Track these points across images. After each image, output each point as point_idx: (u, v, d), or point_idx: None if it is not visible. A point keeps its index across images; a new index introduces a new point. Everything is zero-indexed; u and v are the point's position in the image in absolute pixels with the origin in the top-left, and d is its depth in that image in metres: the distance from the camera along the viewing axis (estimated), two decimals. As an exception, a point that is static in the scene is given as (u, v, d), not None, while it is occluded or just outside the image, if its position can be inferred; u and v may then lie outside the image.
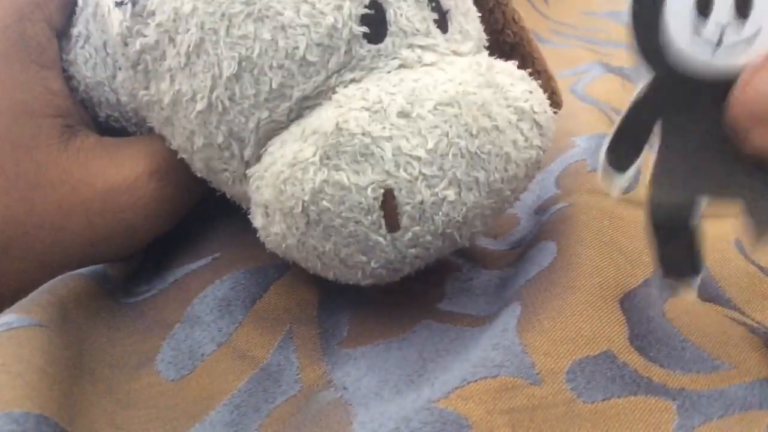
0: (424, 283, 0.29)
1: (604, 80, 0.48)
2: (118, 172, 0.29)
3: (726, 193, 0.22)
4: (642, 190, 0.25)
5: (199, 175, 0.29)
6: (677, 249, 0.23)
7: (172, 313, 0.28)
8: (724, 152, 0.22)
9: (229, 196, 0.30)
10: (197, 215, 0.33)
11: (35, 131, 0.29)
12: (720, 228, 0.28)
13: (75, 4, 0.32)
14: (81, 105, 0.32)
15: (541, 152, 0.27)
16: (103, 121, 0.32)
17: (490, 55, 0.30)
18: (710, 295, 0.28)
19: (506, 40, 0.34)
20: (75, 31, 0.31)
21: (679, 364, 0.24)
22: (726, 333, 0.25)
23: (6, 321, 0.24)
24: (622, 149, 0.23)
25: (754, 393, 0.22)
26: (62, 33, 0.31)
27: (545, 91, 0.29)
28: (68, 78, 0.31)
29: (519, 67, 0.28)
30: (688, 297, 0.25)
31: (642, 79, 0.22)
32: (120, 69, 0.29)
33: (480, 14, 0.31)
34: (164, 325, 0.28)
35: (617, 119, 0.23)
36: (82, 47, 0.31)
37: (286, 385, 0.26)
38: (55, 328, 0.25)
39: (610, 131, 0.23)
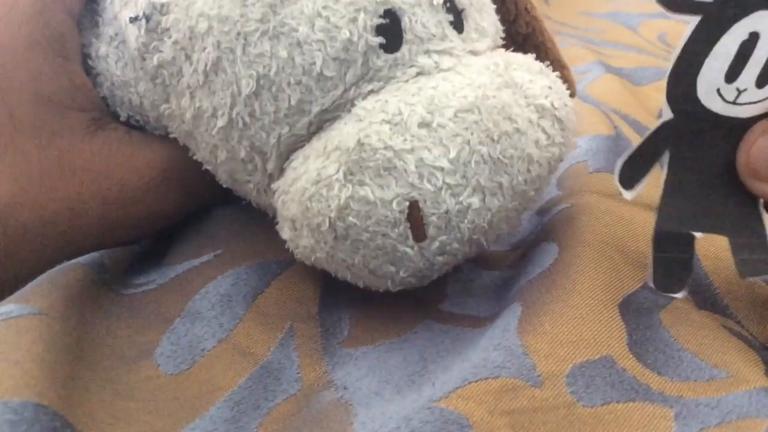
0: (426, 283, 0.29)
1: (604, 80, 0.48)
2: (136, 171, 0.30)
3: (715, 230, 0.26)
4: (645, 193, 0.25)
5: (224, 185, 0.30)
6: (671, 264, 0.26)
7: (172, 307, 0.28)
8: (717, 191, 0.25)
9: (254, 205, 0.30)
10: (199, 211, 0.33)
11: (59, 121, 0.29)
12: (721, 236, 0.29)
13: None
14: (103, 101, 0.31)
15: (564, 148, 0.27)
16: (123, 122, 0.32)
17: (504, 46, 0.30)
18: (708, 302, 0.28)
19: (519, 31, 0.34)
20: (110, 30, 0.30)
21: (676, 371, 0.24)
22: (722, 342, 0.25)
23: (5, 310, 0.24)
24: (631, 172, 0.25)
25: (751, 401, 0.22)
26: (87, 26, 0.31)
27: None
28: (96, 74, 0.31)
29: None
30: (682, 304, 0.27)
31: (663, 117, 0.25)
32: (140, 80, 0.29)
33: (493, 5, 0.31)
34: (164, 319, 0.28)
35: (634, 145, 0.25)
36: (117, 47, 0.30)
37: (287, 384, 0.26)
38: (55, 315, 0.25)
39: (626, 153, 0.25)
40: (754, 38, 0.22)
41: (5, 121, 0.28)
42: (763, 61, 0.22)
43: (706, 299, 0.28)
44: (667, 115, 0.24)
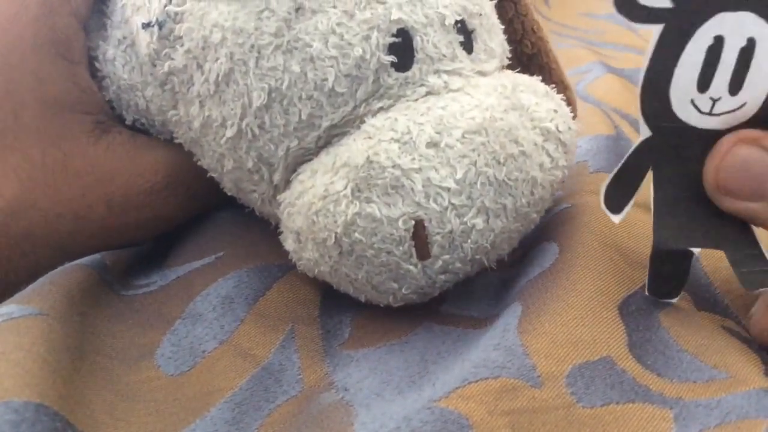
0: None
1: (605, 80, 0.48)
2: (140, 175, 0.30)
3: (712, 245, 0.25)
4: (645, 194, 0.25)
5: (229, 193, 0.30)
6: (668, 275, 0.26)
7: (173, 308, 0.28)
8: (707, 206, 0.24)
9: (257, 214, 0.30)
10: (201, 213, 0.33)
11: (64, 124, 0.29)
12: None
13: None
14: (108, 105, 0.31)
15: (566, 171, 0.28)
16: (128, 125, 0.32)
17: (509, 66, 0.30)
18: (708, 302, 0.28)
19: (525, 51, 0.34)
20: (119, 33, 0.30)
21: (676, 373, 0.24)
22: (722, 343, 0.25)
23: (7, 311, 0.24)
24: (617, 194, 0.25)
25: (751, 402, 0.22)
26: (94, 29, 0.31)
27: None
28: (102, 77, 0.31)
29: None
30: (681, 305, 0.26)
31: (642, 136, 0.24)
32: (148, 85, 0.29)
33: (501, 25, 0.31)
34: (165, 320, 0.28)
35: (615, 168, 0.25)
36: (125, 50, 0.30)
37: (288, 385, 0.26)
38: (56, 315, 0.25)
39: (608, 178, 0.25)
40: (719, 42, 0.22)
41: (10, 123, 0.28)
42: (732, 65, 0.22)
43: (706, 299, 0.28)
44: (645, 132, 0.24)
